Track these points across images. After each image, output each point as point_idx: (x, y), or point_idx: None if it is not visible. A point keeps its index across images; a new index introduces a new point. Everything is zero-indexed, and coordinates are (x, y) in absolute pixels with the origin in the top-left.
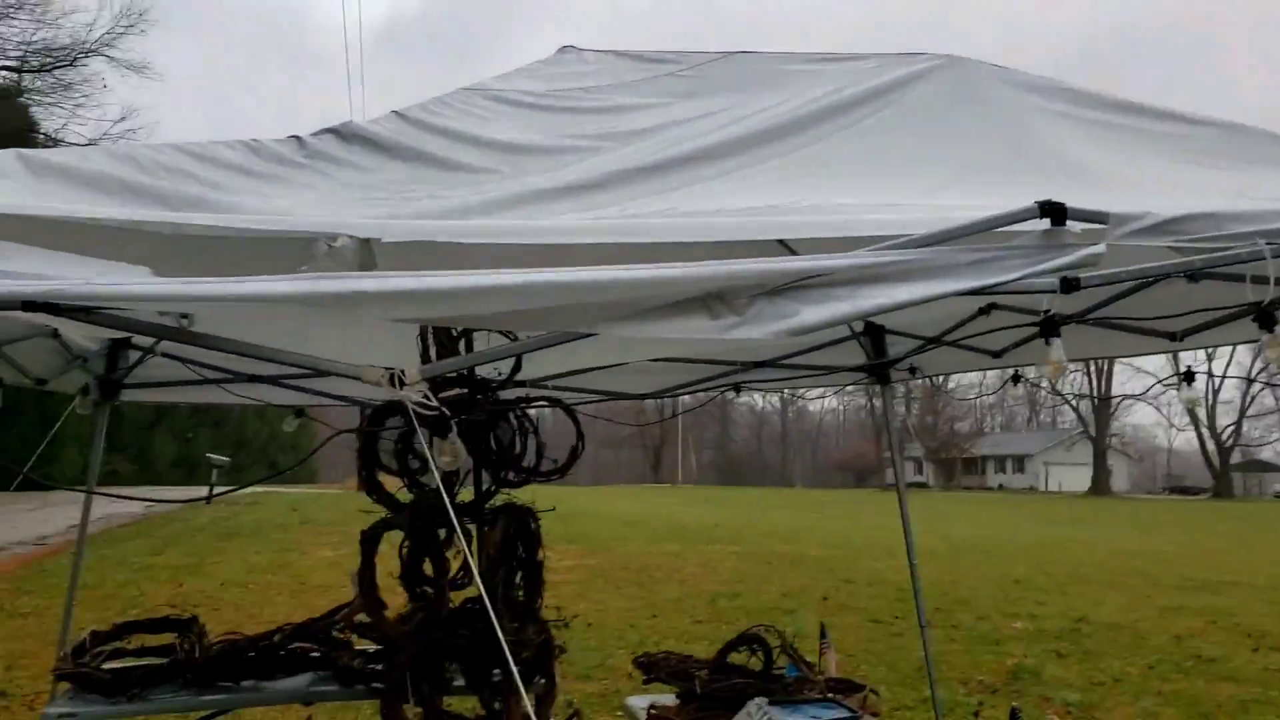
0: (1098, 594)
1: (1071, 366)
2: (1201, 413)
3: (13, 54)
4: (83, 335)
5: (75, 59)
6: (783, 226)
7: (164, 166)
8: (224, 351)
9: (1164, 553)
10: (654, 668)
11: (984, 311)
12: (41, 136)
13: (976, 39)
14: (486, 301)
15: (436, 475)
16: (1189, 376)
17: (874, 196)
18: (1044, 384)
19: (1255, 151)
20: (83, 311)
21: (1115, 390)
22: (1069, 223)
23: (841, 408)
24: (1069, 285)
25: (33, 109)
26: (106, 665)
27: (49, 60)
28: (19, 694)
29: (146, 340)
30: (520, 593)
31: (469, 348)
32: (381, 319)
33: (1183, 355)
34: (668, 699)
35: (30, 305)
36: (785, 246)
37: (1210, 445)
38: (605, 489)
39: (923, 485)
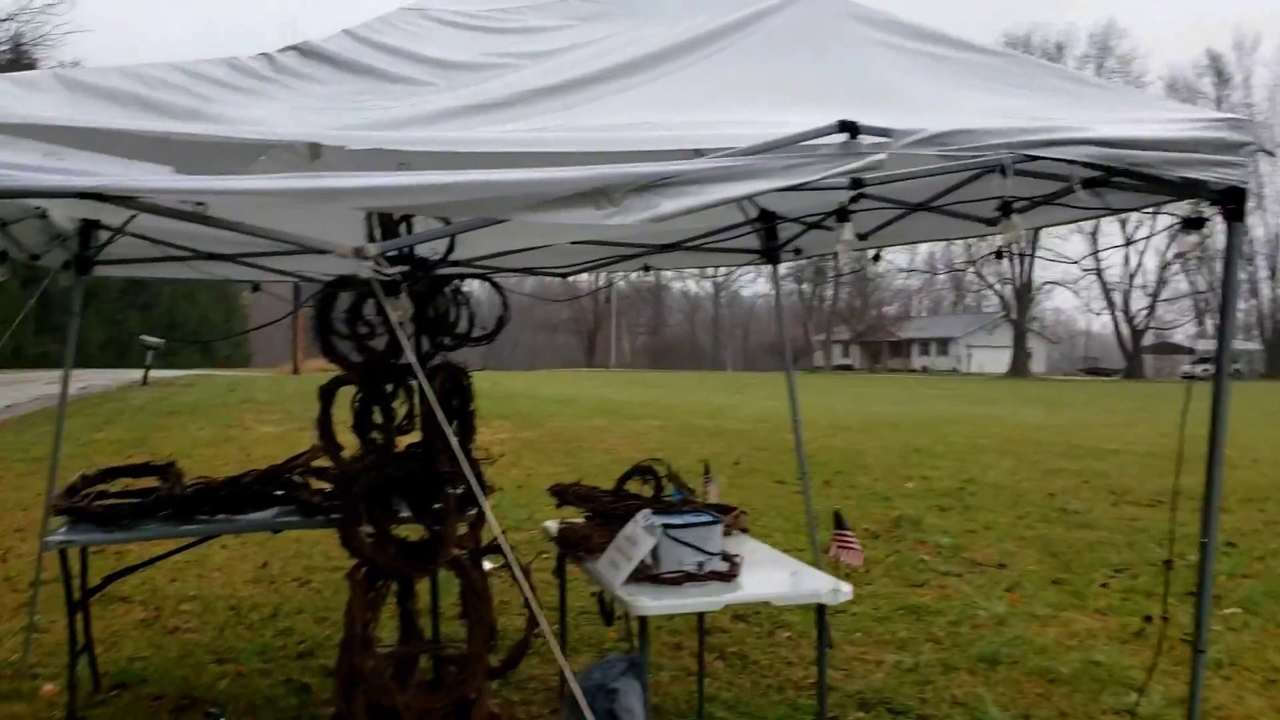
0: (990, 460)
1: (1006, 242)
2: (1118, 297)
3: None
4: (63, 217)
5: None
6: (655, 140)
7: (164, 83)
8: (236, 231)
9: (1063, 426)
10: (565, 494)
11: (854, 200)
12: None
13: None
14: (429, 195)
15: (395, 322)
16: (998, 254)
17: (729, 114)
18: (969, 272)
19: (1026, 78)
20: (125, 200)
21: (1037, 277)
22: (861, 136)
23: (773, 293)
24: (856, 183)
25: None
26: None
27: None
28: None
29: (115, 221)
30: (456, 437)
31: (409, 230)
32: (349, 208)
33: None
34: (577, 521)
35: (86, 195)
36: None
37: (1124, 329)
38: (540, 373)
39: (849, 368)
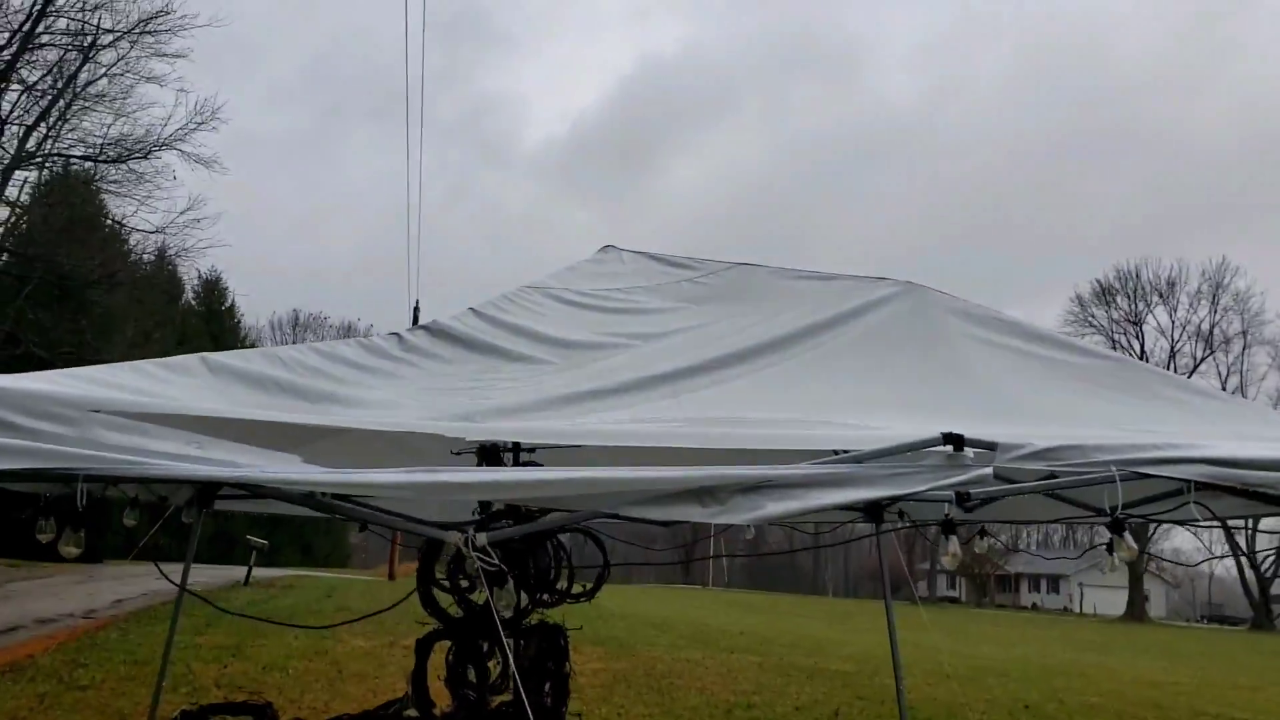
0: None
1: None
2: (1242, 541)
3: (91, 144)
4: None
5: (149, 152)
6: (760, 439)
7: (302, 364)
8: (354, 520)
9: (1185, 685)
10: None
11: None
12: (110, 223)
13: None
14: (544, 490)
15: (496, 612)
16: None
17: (833, 414)
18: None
19: (1134, 384)
20: (254, 492)
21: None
22: (967, 449)
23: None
24: (962, 498)
25: (103, 197)
26: None
27: (124, 152)
28: None
29: None
30: (549, 699)
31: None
32: (461, 500)
33: None
34: None
35: (224, 483)
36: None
37: (1249, 575)
38: (635, 588)
39: (955, 600)
